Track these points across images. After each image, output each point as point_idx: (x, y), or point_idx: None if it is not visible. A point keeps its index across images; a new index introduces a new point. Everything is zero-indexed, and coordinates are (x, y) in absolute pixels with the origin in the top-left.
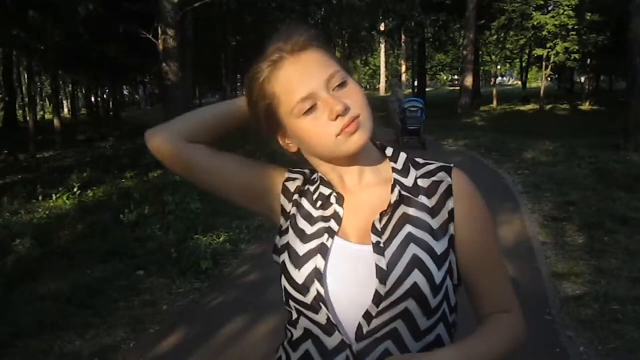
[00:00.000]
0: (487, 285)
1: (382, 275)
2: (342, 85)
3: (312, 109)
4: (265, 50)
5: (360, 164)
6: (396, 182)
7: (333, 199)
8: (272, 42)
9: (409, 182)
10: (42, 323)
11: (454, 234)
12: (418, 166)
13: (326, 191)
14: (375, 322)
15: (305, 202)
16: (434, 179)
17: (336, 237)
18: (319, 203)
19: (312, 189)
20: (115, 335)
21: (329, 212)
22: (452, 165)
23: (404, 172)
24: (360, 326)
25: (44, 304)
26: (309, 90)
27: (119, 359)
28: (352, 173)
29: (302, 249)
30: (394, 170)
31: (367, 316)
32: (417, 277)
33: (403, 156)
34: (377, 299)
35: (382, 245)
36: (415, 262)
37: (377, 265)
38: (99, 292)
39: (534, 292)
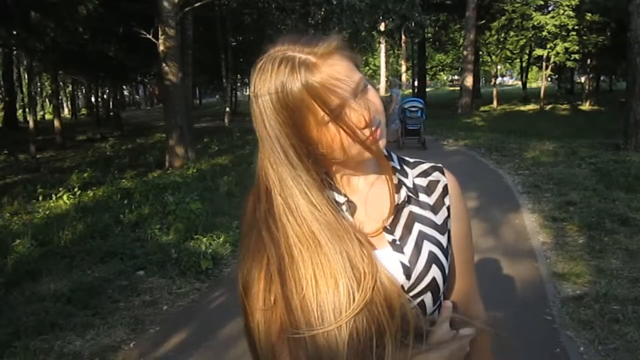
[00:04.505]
0: (465, 278)
1: (407, 271)
2: (365, 90)
3: (342, 114)
4: (272, 52)
5: (366, 164)
6: (401, 183)
7: (344, 207)
8: (285, 44)
9: (409, 182)
10: (42, 323)
11: (450, 228)
12: (410, 165)
13: (339, 198)
14: None
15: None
16: (430, 178)
17: None
18: None
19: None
20: (115, 335)
21: None
22: (440, 165)
23: (403, 171)
24: None
25: (44, 304)
26: (341, 97)
27: (119, 359)
28: (358, 174)
29: None
30: (395, 170)
31: None
32: (435, 272)
33: (394, 155)
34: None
35: (398, 242)
36: (432, 258)
37: (401, 262)
38: (99, 292)
39: (534, 292)
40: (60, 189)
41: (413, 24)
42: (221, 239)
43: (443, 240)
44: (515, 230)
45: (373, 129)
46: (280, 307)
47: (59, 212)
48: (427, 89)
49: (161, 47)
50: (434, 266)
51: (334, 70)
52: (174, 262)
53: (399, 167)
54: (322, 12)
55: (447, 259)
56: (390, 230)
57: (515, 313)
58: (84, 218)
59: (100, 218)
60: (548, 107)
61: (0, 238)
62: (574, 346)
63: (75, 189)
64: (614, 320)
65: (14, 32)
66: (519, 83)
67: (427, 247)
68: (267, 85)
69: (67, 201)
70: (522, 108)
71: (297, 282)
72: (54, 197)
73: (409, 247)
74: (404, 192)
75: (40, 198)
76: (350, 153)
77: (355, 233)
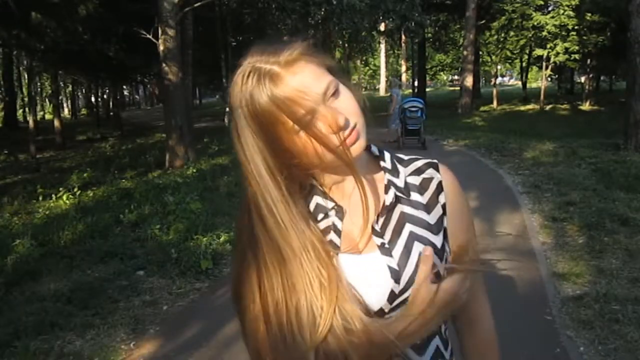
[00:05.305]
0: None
1: (395, 274)
2: (336, 93)
3: (310, 122)
4: (244, 64)
5: (360, 166)
6: (390, 183)
7: (333, 212)
8: (254, 55)
9: (400, 181)
10: (42, 323)
11: (446, 226)
12: (404, 163)
13: (327, 203)
14: (387, 318)
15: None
16: (423, 175)
17: (340, 253)
18: (320, 215)
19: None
20: (115, 335)
21: (326, 224)
22: (436, 160)
23: (394, 171)
24: None
25: (44, 304)
26: (306, 107)
27: (119, 359)
28: (345, 178)
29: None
30: (385, 169)
31: (380, 313)
32: None
33: (387, 154)
34: (392, 297)
35: (387, 246)
36: None
37: (389, 267)
38: (99, 292)
39: (534, 292)
40: (60, 189)
41: (413, 24)
42: (221, 239)
43: (437, 240)
44: (515, 230)
45: (346, 133)
46: (260, 318)
47: (59, 212)
48: (427, 89)
49: (161, 47)
50: None
51: (298, 79)
52: (174, 262)
53: (389, 167)
54: (322, 12)
55: (441, 259)
56: (380, 233)
57: (515, 313)
58: (84, 218)
59: (100, 218)
60: (548, 107)
61: (0, 238)
62: (574, 346)
63: (75, 189)
64: (614, 320)
65: (14, 32)
66: (519, 83)
67: (418, 248)
68: (239, 97)
69: (67, 201)
70: (522, 108)
71: (271, 294)
72: (54, 197)
73: (397, 250)
74: (392, 192)
75: (40, 198)
76: (326, 159)
77: (321, 255)
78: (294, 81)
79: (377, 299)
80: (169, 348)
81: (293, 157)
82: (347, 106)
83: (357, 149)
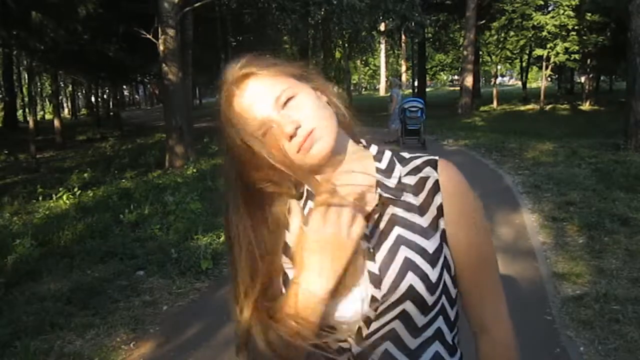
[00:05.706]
0: (477, 284)
1: (374, 279)
2: (291, 99)
3: (267, 133)
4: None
5: (344, 168)
6: (378, 184)
7: None
8: (226, 70)
9: (392, 182)
10: (42, 323)
11: (445, 228)
12: (404, 162)
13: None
14: (374, 325)
15: (295, 222)
16: (420, 175)
17: None
18: None
19: (301, 205)
20: (115, 335)
21: None
22: (437, 157)
23: (388, 171)
24: (359, 329)
25: (44, 304)
26: (259, 118)
27: (119, 359)
28: (339, 179)
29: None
30: (378, 170)
31: (366, 320)
32: (411, 279)
33: (387, 154)
34: (374, 303)
35: (371, 250)
36: (408, 265)
37: (368, 271)
38: (99, 292)
39: (534, 292)
40: (60, 189)
41: (413, 24)
42: (221, 239)
43: (428, 244)
44: (515, 230)
45: (299, 140)
46: None
47: (59, 212)
48: (427, 89)
49: (161, 47)
50: (409, 273)
51: (245, 96)
52: (174, 262)
53: (384, 168)
54: (322, 12)
55: (433, 264)
56: (368, 237)
57: (515, 313)
58: (84, 218)
59: (100, 218)
60: (548, 107)
61: (1, 238)
62: (574, 346)
63: (75, 189)
64: (614, 320)
65: (14, 32)
66: (519, 83)
67: (403, 253)
68: (219, 114)
69: (67, 201)
70: (522, 108)
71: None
72: (54, 197)
73: (381, 254)
74: (378, 194)
75: (40, 198)
76: (291, 166)
77: (257, 267)
78: (241, 99)
79: (354, 305)
80: (169, 348)
81: (256, 170)
82: (301, 111)
83: (317, 152)
